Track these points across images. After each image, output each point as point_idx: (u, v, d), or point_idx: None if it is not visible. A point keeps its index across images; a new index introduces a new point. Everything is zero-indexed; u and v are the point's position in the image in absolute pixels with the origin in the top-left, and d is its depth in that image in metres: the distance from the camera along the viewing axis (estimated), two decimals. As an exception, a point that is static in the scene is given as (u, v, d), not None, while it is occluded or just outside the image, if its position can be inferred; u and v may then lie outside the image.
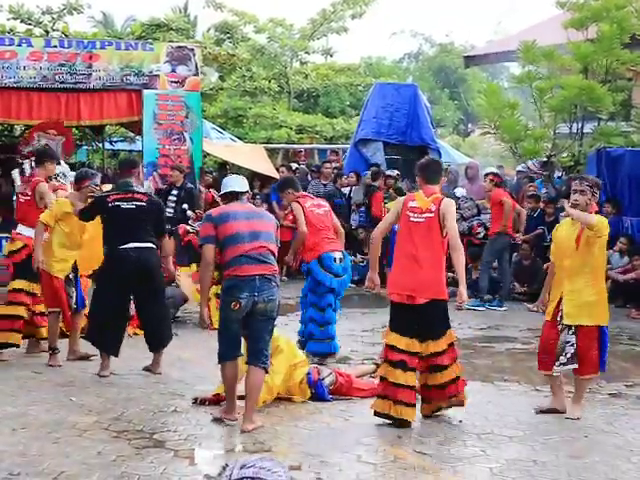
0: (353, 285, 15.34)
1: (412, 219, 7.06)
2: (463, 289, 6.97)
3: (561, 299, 7.24)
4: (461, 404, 7.27)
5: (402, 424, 6.86)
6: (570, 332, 7.17)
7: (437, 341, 7.00)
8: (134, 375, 8.47)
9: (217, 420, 6.92)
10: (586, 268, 7.17)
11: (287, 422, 7.04)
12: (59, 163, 13.80)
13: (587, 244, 7.12)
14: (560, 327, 7.23)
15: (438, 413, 7.29)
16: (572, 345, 7.16)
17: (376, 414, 6.98)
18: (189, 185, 13.73)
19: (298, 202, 9.41)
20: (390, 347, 6.97)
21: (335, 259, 9.21)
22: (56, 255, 8.98)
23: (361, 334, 10.95)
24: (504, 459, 6.21)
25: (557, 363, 7.21)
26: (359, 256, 15.60)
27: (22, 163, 13.60)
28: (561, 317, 7.23)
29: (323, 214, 9.42)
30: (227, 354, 6.85)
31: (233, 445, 6.46)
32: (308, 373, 7.73)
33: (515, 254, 14.22)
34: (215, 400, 7.41)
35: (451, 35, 72.26)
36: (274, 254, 6.95)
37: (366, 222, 15.55)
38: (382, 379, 7.03)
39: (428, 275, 6.94)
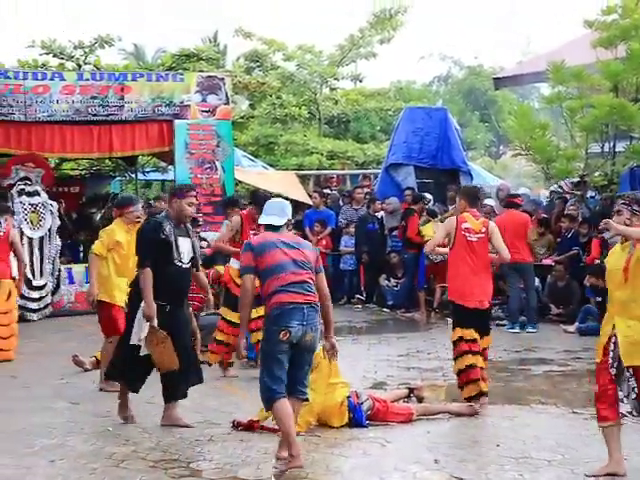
0: (387, 310, 15.36)
1: (469, 238, 8.55)
2: None
3: (612, 337, 6.29)
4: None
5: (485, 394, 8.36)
6: (630, 375, 6.22)
7: (486, 338, 8.63)
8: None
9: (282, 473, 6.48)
10: (639, 300, 6.20)
11: (323, 449, 7.02)
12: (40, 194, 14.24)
13: (637, 273, 6.19)
14: (614, 371, 6.27)
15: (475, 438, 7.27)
16: (634, 390, 6.21)
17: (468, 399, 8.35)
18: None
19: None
20: (459, 341, 8.47)
21: None
22: (116, 284, 9.03)
23: (397, 359, 10.90)
24: (543, 483, 6.15)
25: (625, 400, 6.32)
26: (392, 280, 15.56)
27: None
28: (617, 359, 6.25)
29: None
30: (278, 391, 6.48)
31: (270, 473, 6.43)
32: (349, 396, 7.71)
33: (549, 276, 14.11)
34: (248, 425, 7.44)
35: (480, 57, 72.33)
36: (314, 284, 6.76)
37: (399, 247, 15.53)
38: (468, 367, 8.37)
39: (489, 283, 8.74)
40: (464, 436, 7.49)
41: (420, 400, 8.44)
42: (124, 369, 7.78)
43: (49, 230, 14.86)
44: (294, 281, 6.56)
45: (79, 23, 58.33)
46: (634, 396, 6.19)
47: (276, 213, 6.91)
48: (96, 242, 9.15)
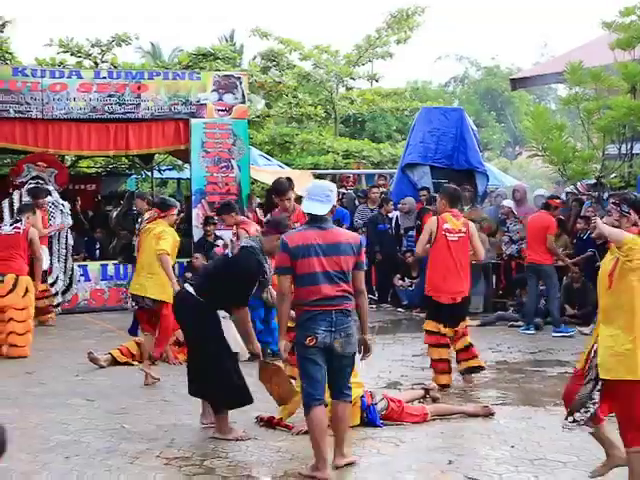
0: (402, 310, 15.34)
1: (449, 238, 9.13)
2: None
3: (594, 345, 5.83)
4: (482, 368, 9.48)
5: (444, 387, 9.05)
6: (597, 388, 5.77)
7: (462, 322, 9.37)
8: (184, 401, 8.45)
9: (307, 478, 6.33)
10: (624, 307, 5.66)
11: (337, 448, 7.01)
12: (50, 194, 14.19)
13: (621, 279, 5.66)
14: (586, 379, 5.83)
15: (486, 440, 7.25)
16: (595, 404, 5.78)
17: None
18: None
19: (245, 229, 10.12)
20: (430, 332, 9.34)
21: None
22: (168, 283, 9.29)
23: (411, 359, 10.88)
24: (558, 485, 6.12)
25: (570, 418, 5.91)
26: (407, 280, 15.53)
27: (12, 194, 13.96)
28: (590, 368, 5.82)
29: None
30: (315, 397, 6.26)
31: (284, 471, 6.44)
32: (362, 396, 7.69)
33: (565, 277, 14.07)
34: (268, 420, 7.55)
35: (497, 58, 72.05)
36: (351, 293, 6.39)
37: (414, 246, 15.49)
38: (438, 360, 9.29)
39: (465, 280, 9.36)
40: (478, 437, 7.47)
41: (435, 401, 8.43)
42: (237, 391, 7.38)
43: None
44: (327, 295, 6.27)
45: (79, 23, 58.64)
46: (592, 410, 5.78)
47: (319, 198, 6.40)
48: (161, 242, 9.16)
